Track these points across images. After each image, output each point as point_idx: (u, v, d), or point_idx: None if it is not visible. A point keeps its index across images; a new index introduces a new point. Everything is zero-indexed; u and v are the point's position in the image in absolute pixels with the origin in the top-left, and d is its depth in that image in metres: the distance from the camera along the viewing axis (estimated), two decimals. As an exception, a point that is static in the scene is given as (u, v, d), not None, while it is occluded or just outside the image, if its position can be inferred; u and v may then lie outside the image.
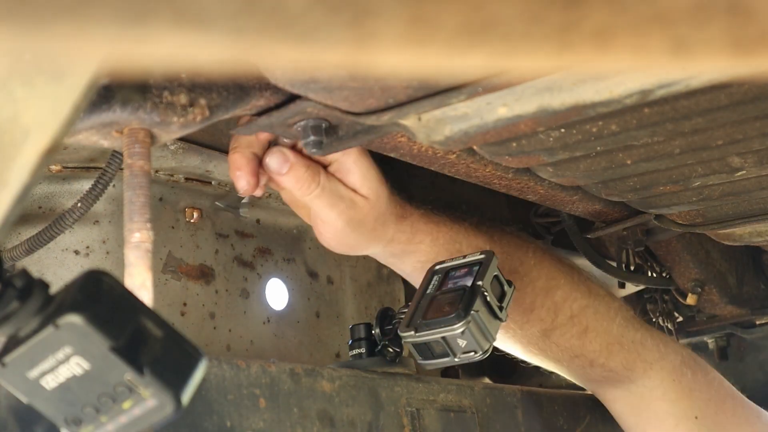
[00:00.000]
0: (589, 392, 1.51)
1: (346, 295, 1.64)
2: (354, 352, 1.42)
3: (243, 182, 1.11)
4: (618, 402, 1.33)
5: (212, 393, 1.21)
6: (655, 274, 1.64)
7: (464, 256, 1.19)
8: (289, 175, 1.13)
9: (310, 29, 0.35)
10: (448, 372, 1.75)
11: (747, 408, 1.36)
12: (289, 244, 1.56)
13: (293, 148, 1.16)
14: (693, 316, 1.79)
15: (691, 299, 1.64)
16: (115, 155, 1.04)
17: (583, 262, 1.52)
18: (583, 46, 0.37)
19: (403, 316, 1.25)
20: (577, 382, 1.48)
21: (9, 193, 0.61)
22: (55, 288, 0.73)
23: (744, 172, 1.09)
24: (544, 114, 0.93)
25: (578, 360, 1.35)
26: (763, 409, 1.39)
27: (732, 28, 0.37)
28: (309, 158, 1.15)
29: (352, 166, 1.16)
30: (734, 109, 0.95)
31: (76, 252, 1.32)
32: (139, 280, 0.85)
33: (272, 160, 1.13)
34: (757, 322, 1.84)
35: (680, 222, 1.31)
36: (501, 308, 1.13)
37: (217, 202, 1.43)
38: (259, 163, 1.13)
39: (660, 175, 1.11)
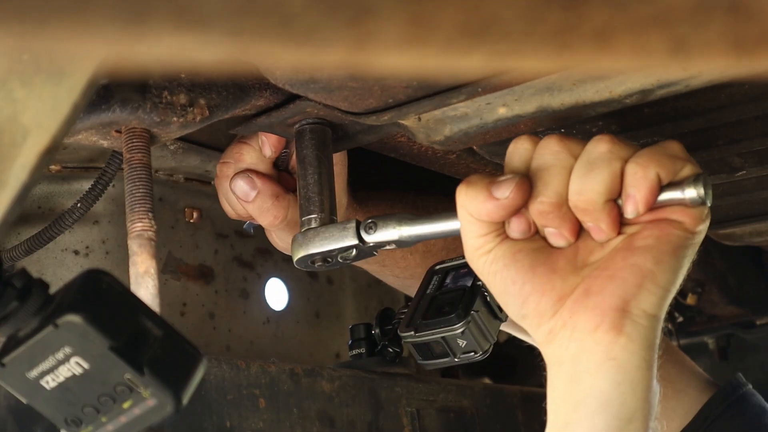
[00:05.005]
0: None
1: (346, 295, 1.64)
2: (354, 353, 1.42)
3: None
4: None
5: (212, 393, 1.21)
6: (655, 274, 1.64)
7: (464, 256, 1.19)
8: (254, 204, 1.12)
9: (309, 29, 0.35)
10: (448, 372, 1.74)
11: (680, 353, 1.36)
12: (289, 244, 1.56)
13: (278, 164, 1.15)
14: (693, 316, 1.79)
15: (691, 299, 1.64)
16: (115, 155, 1.04)
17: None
18: (583, 46, 0.37)
19: (402, 316, 1.25)
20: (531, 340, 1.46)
21: (8, 193, 0.61)
22: (54, 288, 0.73)
23: (744, 172, 1.09)
24: (544, 114, 0.93)
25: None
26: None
27: (732, 28, 0.37)
28: (279, 184, 1.13)
29: None
30: (734, 109, 0.95)
31: (76, 252, 1.32)
32: (143, 268, 0.85)
33: (238, 186, 1.11)
34: (757, 322, 1.84)
35: (680, 222, 1.31)
36: (501, 308, 1.13)
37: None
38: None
39: (660, 175, 1.11)
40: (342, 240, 0.99)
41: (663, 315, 0.84)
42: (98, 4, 0.34)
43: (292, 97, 0.98)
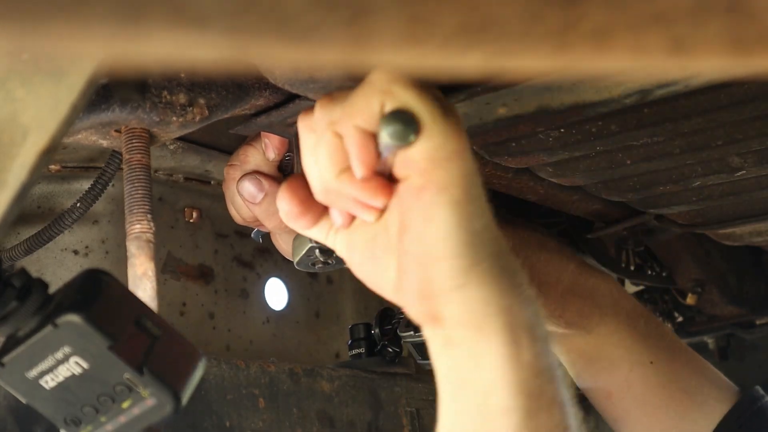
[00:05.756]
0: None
1: (346, 295, 1.64)
2: (353, 352, 1.42)
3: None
4: (571, 352, 1.31)
5: (211, 393, 1.21)
6: (655, 274, 1.64)
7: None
8: (260, 206, 1.11)
9: (308, 28, 0.35)
10: (447, 372, 1.74)
11: (700, 360, 1.36)
12: (289, 243, 1.56)
13: (283, 167, 1.15)
14: (693, 316, 1.79)
15: (691, 299, 1.64)
16: (115, 155, 1.04)
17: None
18: (582, 45, 0.37)
19: (402, 316, 1.25)
20: None
21: (8, 193, 0.61)
22: (54, 287, 0.73)
23: (744, 172, 1.09)
24: (544, 114, 0.93)
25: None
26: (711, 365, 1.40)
27: (731, 28, 0.37)
28: None
29: None
30: (734, 109, 0.95)
31: (75, 252, 1.32)
32: (141, 270, 0.85)
33: (245, 188, 1.11)
34: (757, 322, 1.84)
35: (680, 222, 1.31)
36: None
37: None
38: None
39: (660, 175, 1.11)
40: None
41: (475, 276, 0.75)
42: (97, 4, 0.34)
43: (292, 97, 0.98)
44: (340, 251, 0.84)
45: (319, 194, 0.80)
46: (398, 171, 0.74)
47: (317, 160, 0.77)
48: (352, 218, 0.81)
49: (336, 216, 0.81)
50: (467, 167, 0.74)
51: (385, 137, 0.70)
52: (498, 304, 0.75)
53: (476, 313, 0.75)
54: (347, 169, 0.76)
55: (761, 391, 1.33)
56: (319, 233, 0.84)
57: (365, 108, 0.73)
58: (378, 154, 0.73)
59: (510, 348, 0.75)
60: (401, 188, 0.75)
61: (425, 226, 0.74)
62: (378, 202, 0.76)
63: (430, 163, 0.73)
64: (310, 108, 0.80)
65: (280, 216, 0.85)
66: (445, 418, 0.80)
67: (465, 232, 0.74)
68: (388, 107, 0.72)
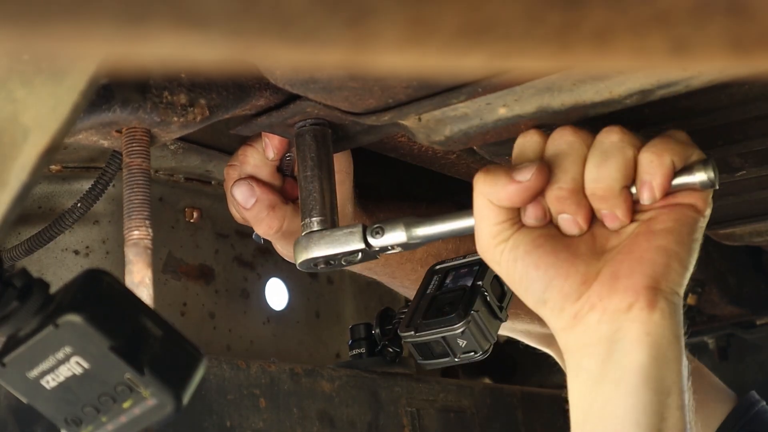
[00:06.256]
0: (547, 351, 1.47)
1: (346, 295, 1.64)
2: (354, 352, 1.42)
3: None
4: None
5: (212, 393, 1.21)
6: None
7: (464, 256, 1.19)
8: (251, 211, 1.12)
9: (309, 29, 0.35)
10: (448, 372, 1.75)
11: (698, 365, 1.37)
12: (289, 244, 1.56)
13: (283, 167, 1.15)
14: (693, 316, 1.79)
15: (691, 299, 1.64)
16: (115, 155, 1.04)
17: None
18: (583, 46, 0.37)
19: (403, 316, 1.25)
20: (535, 344, 1.46)
21: (8, 193, 0.61)
22: (54, 288, 0.73)
23: (744, 172, 1.09)
24: (544, 114, 0.93)
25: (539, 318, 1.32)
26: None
27: (732, 28, 0.37)
28: (278, 194, 1.13)
29: None
30: (734, 109, 0.95)
31: (76, 252, 1.32)
32: (138, 278, 0.85)
33: (238, 192, 1.12)
34: (757, 322, 1.84)
35: (680, 222, 1.31)
36: (501, 308, 1.13)
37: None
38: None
39: (660, 176, 1.11)
40: (348, 244, 0.99)
41: (684, 293, 0.87)
42: (99, 4, 0.34)
43: (293, 97, 0.98)
44: (512, 241, 0.88)
45: (564, 190, 0.86)
46: (681, 200, 0.88)
47: (604, 166, 0.86)
48: (542, 222, 0.88)
49: (535, 213, 0.88)
50: None
51: (702, 176, 0.86)
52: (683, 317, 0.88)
53: (679, 317, 0.86)
54: (625, 189, 0.86)
55: (756, 396, 1.34)
56: (501, 215, 0.88)
57: (681, 151, 0.86)
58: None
59: (683, 355, 0.87)
60: (679, 209, 0.87)
61: (689, 236, 0.87)
62: (627, 221, 0.87)
63: (709, 202, 0.89)
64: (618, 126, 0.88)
65: (512, 181, 0.87)
66: (616, 415, 0.85)
67: (695, 258, 0.89)
68: (702, 155, 0.87)
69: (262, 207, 1.12)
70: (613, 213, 0.86)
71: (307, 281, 1.57)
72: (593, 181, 0.86)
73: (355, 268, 1.20)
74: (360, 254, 0.99)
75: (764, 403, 1.34)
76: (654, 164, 0.85)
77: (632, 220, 0.88)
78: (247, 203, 1.12)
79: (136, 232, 0.88)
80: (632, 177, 0.86)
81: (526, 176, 0.85)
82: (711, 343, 1.93)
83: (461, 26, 0.35)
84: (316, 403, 1.33)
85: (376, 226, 0.97)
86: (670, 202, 0.87)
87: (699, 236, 0.88)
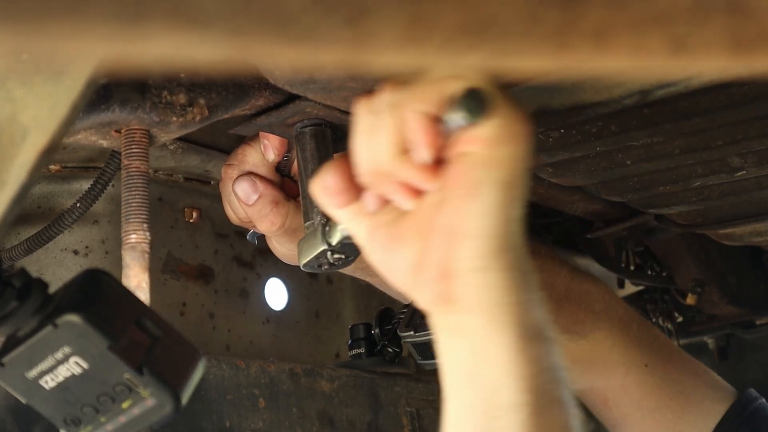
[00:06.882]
0: None
1: (346, 295, 1.64)
2: (353, 352, 1.42)
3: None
4: (566, 358, 1.32)
5: (211, 393, 1.21)
6: (655, 274, 1.64)
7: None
8: (254, 207, 1.11)
9: (308, 29, 0.35)
10: (447, 372, 1.74)
11: (694, 362, 1.37)
12: (289, 243, 1.56)
13: (281, 168, 1.15)
14: (693, 316, 1.79)
15: (691, 299, 1.64)
16: (114, 155, 1.04)
17: (584, 262, 1.52)
18: (582, 46, 0.37)
19: (402, 316, 1.25)
20: None
21: (7, 193, 0.61)
22: (53, 288, 0.73)
23: (744, 172, 1.09)
24: (544, 114, 0.93)
25: None
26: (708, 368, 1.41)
27: (731, 28, 0.37)
28: (281, 191, 1.13)
29: None
30: (734, 109, 0.95)
31: (75, 252, 1.32)
32: (135, 282, 0.85)
33: (241, 188, 1.11)
34: (757, 322, 1.84)
35: (680, 222, 1.31)
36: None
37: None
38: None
39: (660, 175, 1.11)
40: None
41: (498, 262, 0.75)
42: (98, 4, 0.34)
43: (292, 97, 0.98)
44: (360, 236, 0.84)
45: (366, 175, 0.79)
46: (457, 149, 0.75)
47: (374, 141, 0.77)
48: (384, 204, 0.81)
49: (370, 200, 0.81)
50: (523, 152, 0.75)
51: (458, 115, 0.73)
52: (514, 296, 0.75)
53: (492, 301, 0.74)
54: (404, 152, 0.76)
55: (755, 393, 1.34)
56: (346, 215, 0.84)
57: (435, 91, 0.74)
58: (441, 138, 0.75)
59: (520, 342, 0.74)
60: (454, 166, 0.75)
61: (467, 201, 0.74)
62: (431, 185, 0.76)
63: (494, 140, 0.74)
64: (369, 91, 0.80)
65: (319, 190, 0.84)
66: (450, 414, 0.79)
67: (502, 215, 0.75)
68: (461, 87, 0.73)
69: (265, 203, 1.11)
70: (406, 182, 0.77)
71: (307, 281, 1.57)
72: (364, 162, 0.78)
73: (349, 271, 1.20)
74: None
75: (763, 399, 1.34)
76: (410, 121, 0.75)
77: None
78: (249, 199, 1.11)
79: (133, 236, 0.88)
80: (407, 143, 0.76)
81: (327, 181, 0.82)
82: (711, 343, 1.93)
83: (459, 25, 0.35)
84: (315, 403, 1.32)
85: None
86: (454, 159, 0.75)
87: (483, 191, 0.74)
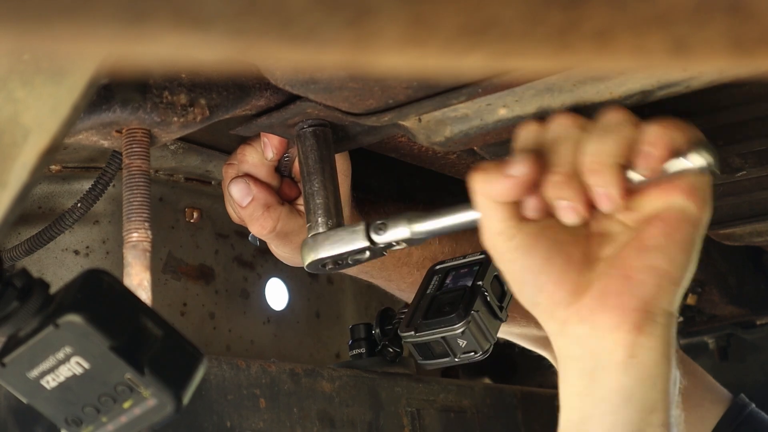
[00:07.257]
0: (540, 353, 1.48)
1: (346, 295, 1.64)
2: (354, 353, 1.42)
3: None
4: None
5: (212, 393, 1.21)
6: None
7: (464, 256, 1.19)
8: (246, 210, 1.12)
9: (309, 29, 0.35)
10: (448, 372, 1.75)
11: (692, 364, 1.38)
12: (289, 244, 1.56)
13: (281, 168, 1.15)
14: (693, 316, 1.79)
15: (691, 299, 1.64)
16: (115, 155, 1.04)
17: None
18: (583, 46, 0.37)
19: (403, 316, 1.25)
20: (532, 347, 1.46)
21: (9, 193, 0.61)
22: (54, 288, 0.73)
23: (744, 172, 1.09)
24: (545, 115, 0.93)
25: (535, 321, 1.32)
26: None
27: (732, 28, 0.37)
28: (275, 194, 1.13)
29: None
30: (734, 110, 0.95)
31: (76, 252, 1.32)
32: (137, 280, 0.85)
33: (235, 190, 1.12)
34: (758, 322, 1.84)
35: (680, 222, 1.31)
36: (501, 308, 1.13)
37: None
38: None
39: (660, 176, 1.11)
40: (353, 243, 0.99)
41: (677, 309, 0.86)
42: (99, 4, 0.34)
43: (293, 98, 0.98)
44: (516, 240, 0.86)
45: (558, 174, 0.83)
46: (660, 193, 0.84)
47: (600, 140, 0.82)
48: (543, 215, 0.85)
49: (533, 205, 0.85)
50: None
51: (697, 156, 0.81)
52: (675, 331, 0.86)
53: (670, 336, 0.85)
54: (620, 166, 0.82)
55: (746, 399, 1.36)
56: (503, 211, 0.86)
57: (680, 132, 0.82)
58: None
59: (672, 372, 0.86)
60: (665, 213, 0.84)
61: (681, 253, 0.85)
62: (616, 206, 0.83)
63: (706, 195, 0.85)
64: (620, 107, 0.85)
65: (496, 177, 0.85)
66: (598, 428, 0.85)
67: (693, 269, 0.86)
68: (696, 137, 0.83)
69: (257, 206, 1.12)
70: (606, 191, 0.82)
71: (307, 281, 1.57)
72: (587, 155, 0.82)
73: (352, 271, 1.20)
74: (367, 252, 0.99)
75: (753, 405, 1.36)
76: (656, 135, 0.81)
77: (625, 225, 0.85)
78: (243, 201, 1.12)
79: (135, 235, 0.88)
80: (629, 157, 0.82)
81: (519, 169, 0.83)
82: (711, 343, 1.93)
83: (461, 26, 0.35)
84: (316, 403, 1.33)
85: (379, 222, 0.97)
86: (665, 204, 0.84)
87: (693, 249, 0.85)
